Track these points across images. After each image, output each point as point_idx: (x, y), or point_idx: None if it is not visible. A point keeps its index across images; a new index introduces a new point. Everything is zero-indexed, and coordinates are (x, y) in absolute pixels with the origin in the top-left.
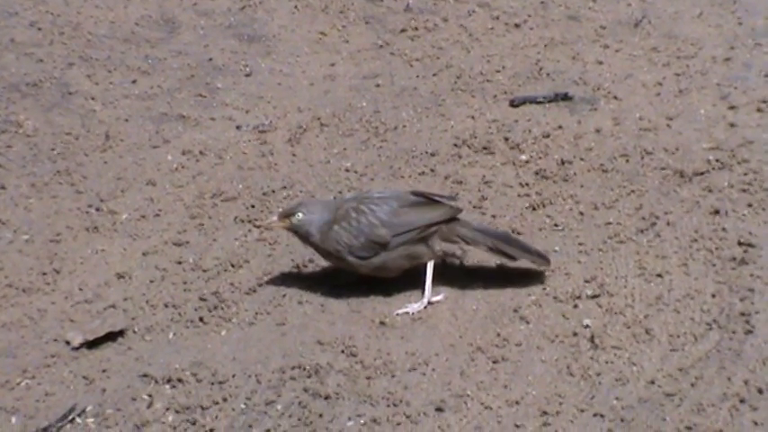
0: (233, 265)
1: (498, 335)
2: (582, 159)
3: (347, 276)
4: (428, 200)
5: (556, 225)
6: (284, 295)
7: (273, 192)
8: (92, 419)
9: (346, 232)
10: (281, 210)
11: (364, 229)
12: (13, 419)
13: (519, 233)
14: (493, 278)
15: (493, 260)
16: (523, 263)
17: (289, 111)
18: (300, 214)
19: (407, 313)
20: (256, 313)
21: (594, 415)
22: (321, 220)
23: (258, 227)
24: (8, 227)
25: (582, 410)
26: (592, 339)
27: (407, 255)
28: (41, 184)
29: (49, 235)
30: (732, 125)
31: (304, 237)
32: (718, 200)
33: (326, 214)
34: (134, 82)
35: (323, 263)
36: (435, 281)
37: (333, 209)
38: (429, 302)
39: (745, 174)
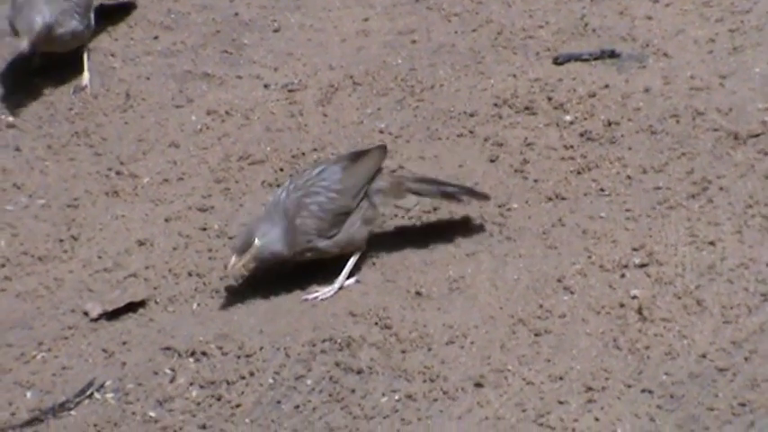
0: None
1: (541, 306)
2: (630, 120)
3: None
4: (355, 153)
5: (602, 190)
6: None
7: (303, 154)
8: (111, 395)
9: (311, 219)
10: (234, 247)
11: (326, 206)
12: (29, 394)
13: (563, 198)
14: (535, 245)
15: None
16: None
17: (319, 68)
18: (257, 240)
19: (316, 298)
20: (284, 284)
21: (642, 391)
22: (281, 232)
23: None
24: (23, 191)
25: (629, 386)
26: (640, 311)
27: (365, 219)
28: (58, 145)
29: (66, 200)
30: None
31: (270, 259)
32: None
33: (278, 222)
34: (156, 38)
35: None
36: (472, 244)
37: (279, 212)
38: (341, 287)
39: None
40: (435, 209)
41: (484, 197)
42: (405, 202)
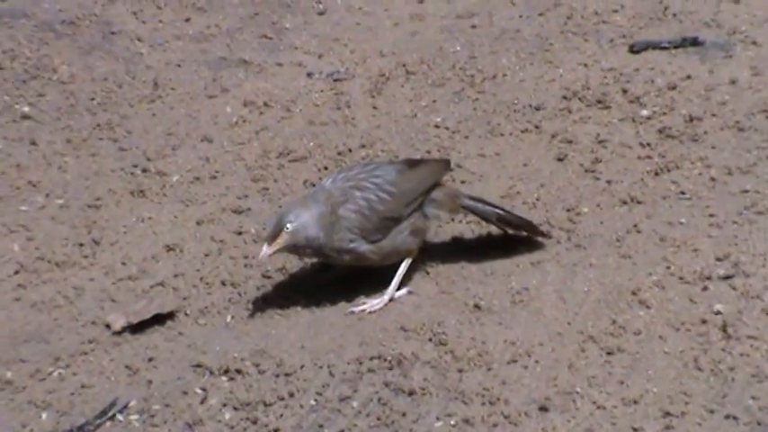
0: None
1: (613, 322)
2: (714, 115)
3: (336, 272)
4: (414, 160)
5: (682, 193)
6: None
7: (350, 151)
8: (135, 416)
9: (356, 214)
10: (265, 233)
11: (375, 205)
12: (44, 415)
13: (639, 202)
14: (607, 254)
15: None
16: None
17: (369, 55)
18: (289, 225)
19: (363, 311)
20: (329, 294)
21: (726, 417)
22: (316, 215)
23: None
24: (40, 190)
25: (711, 411)
26: (724, 328)
27: (413, 230)
28: (79, 139)
29: (87, 200)
30: None
31: (305, 245)
32: None
33: (318, 207)
34: (187, 20)
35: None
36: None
37: (322, 199)
38: (391, 299)
39: None
40: None
41: (542, 234)
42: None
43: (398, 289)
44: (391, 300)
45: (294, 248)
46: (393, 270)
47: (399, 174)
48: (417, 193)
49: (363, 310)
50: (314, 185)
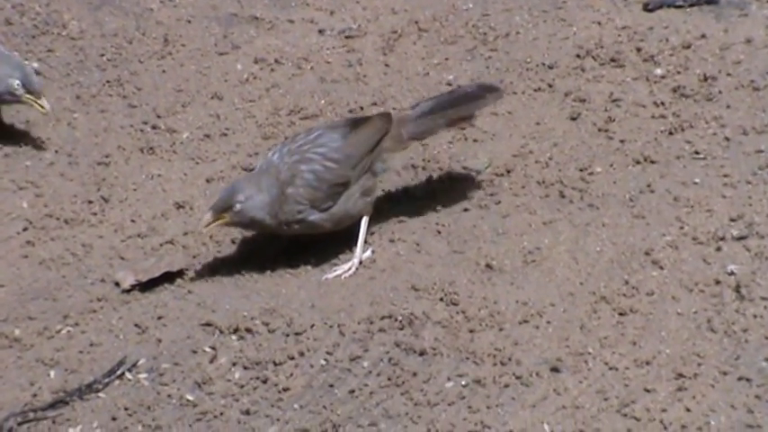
0: None
1: (626, 282)
2: (729, 75)
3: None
4: (355, 120)
5: (696, 153)
6: (372, 232)
7: (362, 108)
8: (144, 375)
9: (305, 188)
10: (211, 204)
11: (323, 175)
12: (52, 373)
13: (652, 161)
14: (620, 214)
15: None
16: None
17: (381, 12)
18: (239, 204)
19: (339, 276)
20: (339, 253)
21: (739, 379)
22: (266, 200)
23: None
24: (49, 146)
25: (724, 373)
26: (737, 289)
27: (364, 191)
28: (88, 96)
29: (96, 156)
30: None
31: (248, 224)
32: None
33: (269, 190)
34: None
35: (418, 192)
36: (549, 211)
37: (271, 177)
38: (360, 261)
39: None
40: (509, 171)
41: (495, 90)
42: (474, 164)
43: (364, 252)
44: (360, 263)
45: (240, 226)
46: (352, 234)
47: (343, 138)
48: (363, 154)
49: (339, 276)
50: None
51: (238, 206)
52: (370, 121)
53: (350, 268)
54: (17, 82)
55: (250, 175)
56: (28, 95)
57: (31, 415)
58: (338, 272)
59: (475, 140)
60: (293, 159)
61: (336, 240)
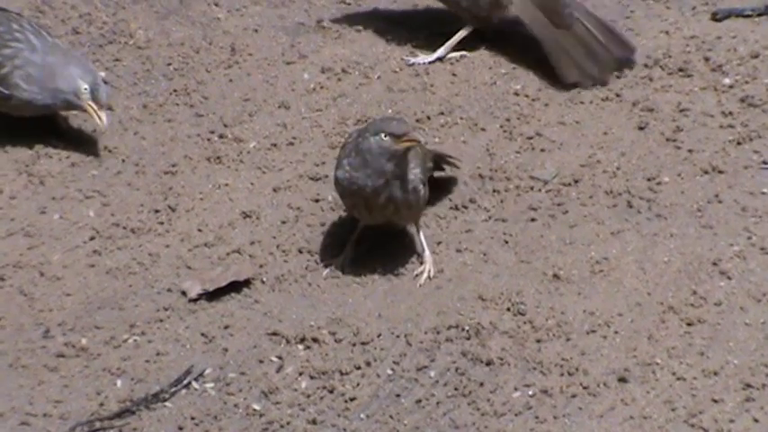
0: None
1: (694, 292)
2: None
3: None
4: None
5: (765, 162)
6: (439, 242)
7: (429, 118)
8: (211, 384)
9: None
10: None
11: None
12: (119, 382)
13: (720, 171)
14: (688, 224)
15: None
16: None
17: (447, 22)
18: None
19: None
20: (406, 263)
21: None
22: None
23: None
24: (115, 155)
25: None
26: None
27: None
28: (155, 105)
29: (163, 166)
30: None
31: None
32: None
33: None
34: None
35: (485, 202)
36: (617, 221)
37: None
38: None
39: None
40: (576, 181)
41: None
42: (541, 173)
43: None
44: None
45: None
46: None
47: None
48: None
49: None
50: None
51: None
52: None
53: (429, 269)
54: (85, 86)
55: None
56: (91, 103)
57: (98, 424)
58: (424, 275)
59: (542, 150)
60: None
61: (398, 249)
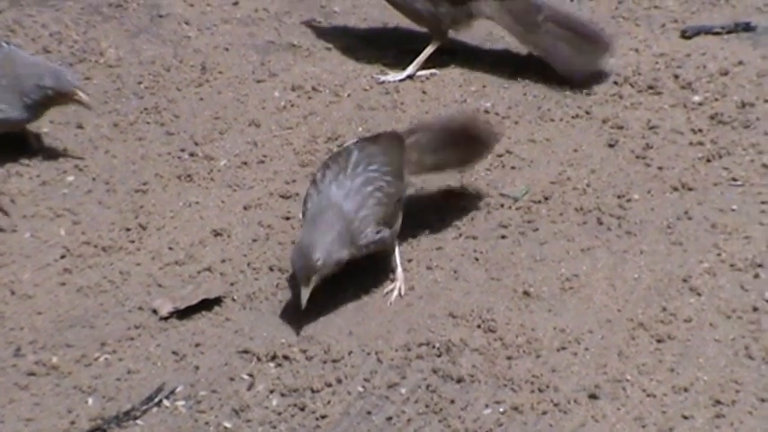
0: None
1: (664, 309)
2: (766, 101)
3: None
4: (370, 138)
5: (734, 179)
6: (410, 259)
7: None
8: (182, 402)
9: (379, 206)
10: (298, 279)
11: (387, 191)
12: (90, 401)
13: (690, 188)
14: (658, 241)
15: None
16: None
17: (418, 40)
18: (318, 262)
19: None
20: (376, 280)
21: None
22: (336, 234)
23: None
24: (86, 174)
25: (763, 400)
26: None
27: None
28: (126, 123)
29: (133, 184)
30: None
31: (336, 267)
32: None
33: (331, 226)
34: (235, 4)
35: (455, 220)
36: (587, 238)
37: (332, 212)
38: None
39: None
40: (546, 198)
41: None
42: (512, 191)
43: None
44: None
45: (326, 276)
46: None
47: (384, 154)
48: (401, 162)
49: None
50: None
51: (320, 263)
52: (381, 135)
53: (400, 287)
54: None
55: (306, 225)
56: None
57: None
58: (395, 292)
59: (512, 167)
60: (357, 183)
61: (369, 266)
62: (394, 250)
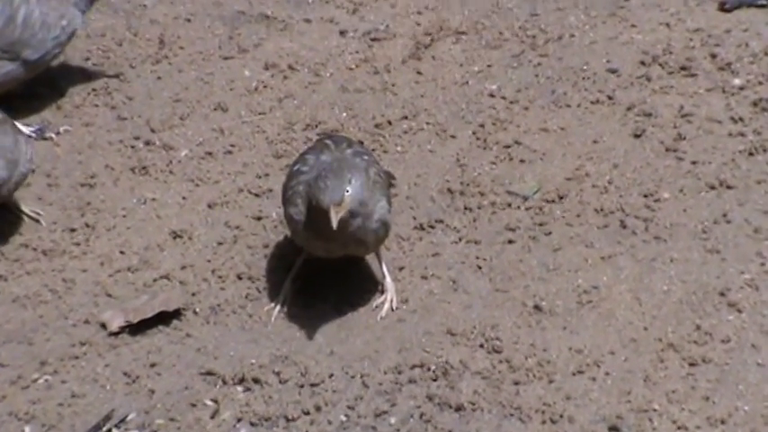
0: None
1: (698, 327)
2: None
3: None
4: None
5: None
6: (402, 267)
7: (390, 123)
8: (135, 431)
9: (382, 182)
10: (329, 199)
11: (382, 175)
12: (27, 429)
13: (729, 186)
14: (691, 248)
15: None
16: None
17: (412, 11)
18: (349, 188)
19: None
20: (363, 291)
21: None
22: (361, 177)
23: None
24: None
25: None
26: None
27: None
28: (70, 106)
29: (79, 177)
30: None
31: (360, 207)
32: None
33: (354, 170)
34: None
35: (455, 221)
36: (609, 244)
37: (348, 163)
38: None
39: None
40: (561, 197)
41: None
42: (521, 188)
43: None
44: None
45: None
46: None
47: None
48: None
49: (392, 309)
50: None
51: (349, 189)
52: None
53: (391, 294)
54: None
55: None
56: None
57: None
58: (386, 305)
59: (522, 161)
60: (360, 150)
61: (354, 276)
62: (379, 252)
